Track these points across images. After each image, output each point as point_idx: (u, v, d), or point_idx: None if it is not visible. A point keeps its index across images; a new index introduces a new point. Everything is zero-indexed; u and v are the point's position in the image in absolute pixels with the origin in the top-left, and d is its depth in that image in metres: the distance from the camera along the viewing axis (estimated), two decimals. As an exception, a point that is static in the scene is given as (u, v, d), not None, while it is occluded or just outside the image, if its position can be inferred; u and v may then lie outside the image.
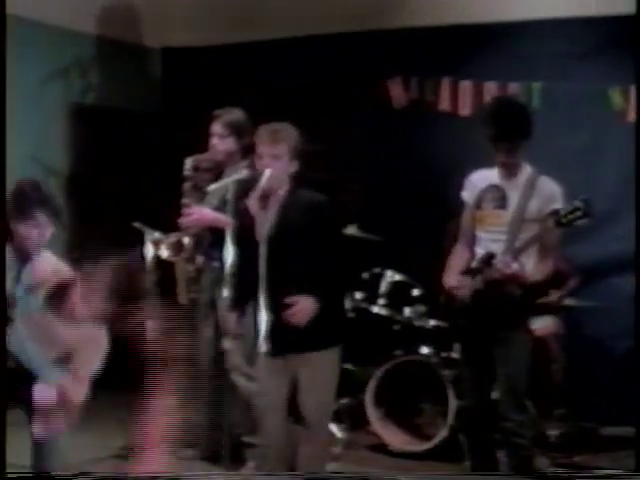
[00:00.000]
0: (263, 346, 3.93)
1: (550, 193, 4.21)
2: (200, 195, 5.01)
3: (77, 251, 6.37)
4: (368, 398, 5.50)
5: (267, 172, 3.99)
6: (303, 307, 3.92)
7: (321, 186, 4.25)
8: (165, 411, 3.73)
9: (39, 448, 3.74)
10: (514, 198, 4.23)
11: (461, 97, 6.15)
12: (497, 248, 4.21)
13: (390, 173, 6.44)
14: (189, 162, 5.10)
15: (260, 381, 4.25)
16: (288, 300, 3.92)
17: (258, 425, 4.30)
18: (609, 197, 5.64)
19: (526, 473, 4.22)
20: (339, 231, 4.43)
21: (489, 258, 4.21)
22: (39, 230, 3.73)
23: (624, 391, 5.17)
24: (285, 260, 3.97)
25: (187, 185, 5.09)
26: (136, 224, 4.98)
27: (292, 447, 4.18)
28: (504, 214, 4.24)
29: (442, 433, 5.26)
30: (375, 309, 5.78)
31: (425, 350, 5.56)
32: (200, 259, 5.05)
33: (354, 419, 5.69)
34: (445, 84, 6.21)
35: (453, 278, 4.34)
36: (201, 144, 5.08)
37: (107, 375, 3.85)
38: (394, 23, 6.33)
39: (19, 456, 3.74)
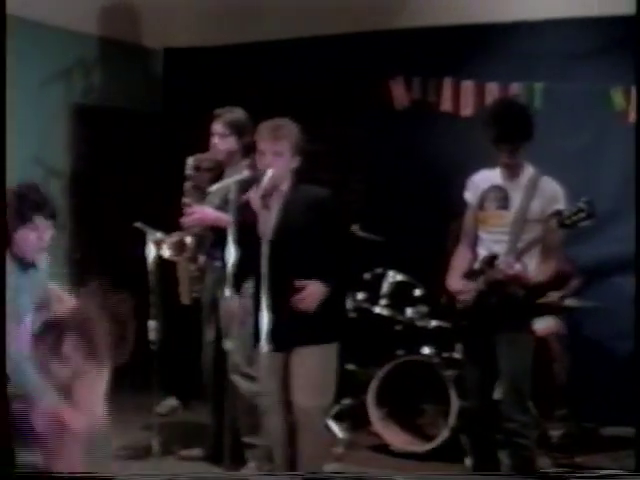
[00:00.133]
0: (265, 346, 3.93)
1: (552, 194, 4.21)
2: (201, 195, 5.02)
3: (78, 252, 6.39)
4: (370, 398, 5.50)
5: (269, 172, 4.00)
6: (312, 291, 3.93)
7: (323, 186, 4.25)
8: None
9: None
10: (516, 199, 4.23)
11: (463, 97, 6.15)
12: (499, 249, 4.21)
13: (392, 173, 6.43)
14: (190, 162, 5.11)
15: (260, 381, 4.25)
16: (297, 284, 3.92)
17: (259, 425, 4.30)
18: (611, 197, 5.64)
19: (528, 473, 4.22)
20: (343, 226, 4.43)
21: (491, 259, 4.21)
22: (38, 234, 3.63)
23: (625, 391, 5.16)
24: (288, 259, 3.97)
25: (188, 185, 5.10)
26: (138, 224, 4.98)
27: (292, 447, 4.19)
28: (506, 215, 4.24)
29: (444, 433, 5.26)
30: (377, 309, 5.78)
31: (427, 350, 5.56)
32: (202, 259, 5.05)
33: (356, 419, 5.70)
34: (447, 84, 6.20)
35: (457, 281, 4.34)
36: (202, 144, 5.08)
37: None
38: (396, 23, 6.33)
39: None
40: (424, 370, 5.44)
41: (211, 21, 6.88)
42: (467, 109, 6.14)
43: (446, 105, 6.21)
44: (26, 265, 3.67)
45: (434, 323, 5.62)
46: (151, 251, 4.95)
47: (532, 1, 6.08)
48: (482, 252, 4.32)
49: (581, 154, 5.88)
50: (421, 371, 5.45)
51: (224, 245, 4.02)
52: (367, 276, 5.90)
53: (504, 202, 4.26)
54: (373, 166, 6.60)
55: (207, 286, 5.04)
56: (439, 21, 6.20)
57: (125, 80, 6.84)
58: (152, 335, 4.85)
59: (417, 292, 5.81)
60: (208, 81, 6.85)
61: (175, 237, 5.00)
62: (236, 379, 4.77)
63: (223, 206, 4.60)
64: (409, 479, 4.76)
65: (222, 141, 4.99)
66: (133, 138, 6.69)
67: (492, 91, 6.04)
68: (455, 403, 5.22)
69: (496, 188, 4.31)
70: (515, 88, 5.99)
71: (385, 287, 5.82)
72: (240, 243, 3.95)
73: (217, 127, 5.01)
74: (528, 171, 4.29)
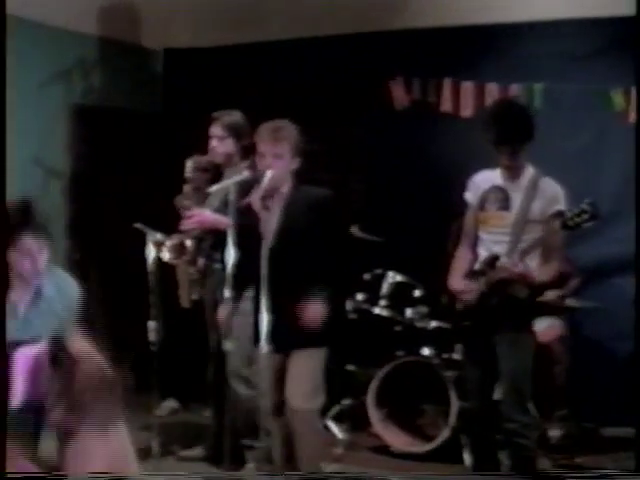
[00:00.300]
0: (264, 347, 3.93)
1: (553, 194, 4.21)
2: (201, 197, 5.02)
3: (77, 252, 6.39)
4: (370, 399, 5.49)
5: (269, 173, 4.00)
6: (313, 313, 3.93)
7: (323, 186, 4.25)
8: None
9: None
10: (517, 200, 4.23)
11: (463, 98, 6.14)
12: (499, 249, 4.21)
13: (392, 173, 6.43)
14: (189, 164, 5.11)
15: (260, 382, 4.25)
16: (298, 307, 3.92)
17: (258, 427, 4.31)
18: (611, 198, 5.63)
19: (529, 474, 4.22)
20: (343, 228, 4.43)
21: (492, 260, 4.21)
22: (31, 257, 3.30)
23: (625, 392, 5.16)
24: (288, 260, 3.97)
25: (188, 187, 5.10)
26: (138, 225, 4.98)
27: (291, 447, 4.19)
28: (507, 216, 4.24)
29: (444, 434, 5.25)
30: (377, 310, 5.77)
31: (427, 351, 5.56)
32: (202, 261, 5.05)
33: (355, 420, 5.69)
34: (447, 85, 6.19)
35: (459, 282, 4.34)
36: (203, 144, 5.09)
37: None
38: (396, 24, 6.32)
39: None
40: (424, 371, 5.44)
41: (211, 21, 6.87)
42: (467, 110, 6.13)
43: (446, 106, 6.21)
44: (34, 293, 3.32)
45: (434, 324, 5.61)
46: (151, 252, 4.95)
47: (532, 2, 6.07)
48: (482, 253, 4.32)
49: (581, 155, 5.87)
50: (421, 372, 5.45)
51: (224, 247, 4.03)
52: (367, 277, 5.89)
53: (505, 203, 4.26)
54: (373, 166, 6.59)
55: (209, 288, 5.04)
56: (439, 22, 6.20)
57: (125, 80, 6.83)
58: (152, 336, 4.86)
59: (417, 293, 5.80)
60: (208, 81, 6.85)
61: (175, 240, 5.00)
62: (234, 382, 4.77)
63: (222, 208, 4.61)
64: (405, 479, 4.76)
65: (220, 144, 5.00)
66: (133, 138, 6.68)
67: (492, 92, 6.03)
68: (455, 404, 5.22)
69: (497, 189, 4.31)
70: (515, 89, 5.98)
71: (385, 288, 5.81)
72: (240, 245, 3.96)
73: (215, 130, 5.01)
74: (529, 172, 4.29)
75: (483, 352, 4.29)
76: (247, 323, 4.18)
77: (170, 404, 6.35)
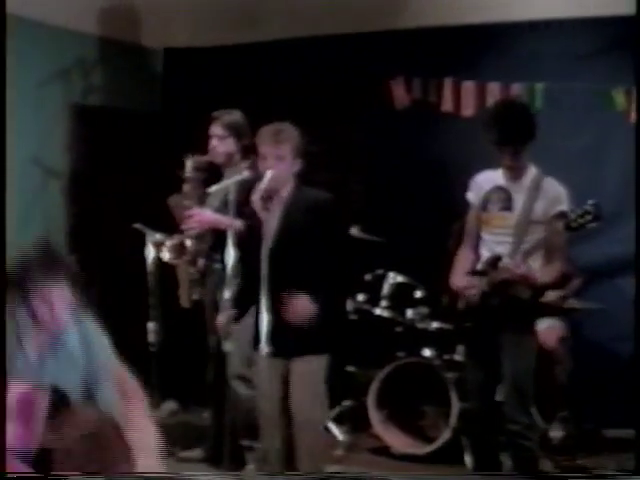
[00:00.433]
0: (264, 348, 3.92)
1: (555, 195, 4.19)
2: (201, 197, 5.01)
3: (77, 254, 6.36)
4: (370, 400, 5.48)
5: (269, 173, 3.98)
6: (299, 307, 3.91)
7: (323, 187, 4.24)
8: None
9: None
10: (519, 200, 4.22)
11: (464, 98, 6.12)
12: (502, 250, 4.20)
13: (392, 174, 6.41)
14: (189, 164, 5.10)
15: (259, 384, 4.23)
16: (285, 300, 3.90)
17: (258, 429, 4.29)
18: (613, 198, 5.61)
19: (530, 475, 4.21)
20: (343, 230, 4.42)
21: (495, 260, 4.20)
22: (49, 305, 2.82)
23: (626, 393, 5.15)
24: (288, 261, 3.96)
25: (187, 187, 5.08)
26: (137, 225, 4.97)
27: (291, 448, 4.18)
28: (510, 216, 4.23)
29: (444, 435, 5.24)
30: (377, 311, 5.76)
31: (428, 352, 5.55)
32: (202, 261, 5.04)
33: (356, 421, 5.69)
34: (448, 85, 6.18)
35: (461, 279, 4.32)
36: (202, 145, 5.07)
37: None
38: (396, 24, 6.30)
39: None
40: (425, 372, 5.43)
41: (211, 21, 6.86)
42: (468, 109, 6.11)
43: (447, 105, 6.19)
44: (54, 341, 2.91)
45: (435, 325, 5.60)
46: (150, 252, 4.94)
47: (533, 2, 6.06)
48: (484, 253, 4.31)
49: (583, 155, 5.87)
50: (422, 373, 5.44)
51: (224, 247, 4.01)
52: (368, 277, 5.88)
53: (507, 203, 4.25)
54: (373, 166, 6.58)
55: (209, 288, 5.02)
56: (440, 21, 6.18)
57: (124, 80, 6.82)
58: (151, 337, 4.84)
59: (418, 293, 5.79)
60: (208, 81, 6.83)
61: (174, 240, 4.99)
62: (234, 383, 4.76)
63: (222, 208, 4.60)
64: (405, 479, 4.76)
65: (221, 143, 4.99)
66: (132, 138, 6.67)
67: (493, 91, 6.01)
68: (456, 405, 5.21)
69: (499, 189, 4.29)
70: (516, 88, 5.96)
71: (386, 288, 5.80)
72: (240, 245, 3.94)
73: (215, 129, 5.00)
74: (531, 172, 4.28)
75: (485, 353, 4.28)
76: (247, 324, 4.16)
77: (170, 405, 6.33)
